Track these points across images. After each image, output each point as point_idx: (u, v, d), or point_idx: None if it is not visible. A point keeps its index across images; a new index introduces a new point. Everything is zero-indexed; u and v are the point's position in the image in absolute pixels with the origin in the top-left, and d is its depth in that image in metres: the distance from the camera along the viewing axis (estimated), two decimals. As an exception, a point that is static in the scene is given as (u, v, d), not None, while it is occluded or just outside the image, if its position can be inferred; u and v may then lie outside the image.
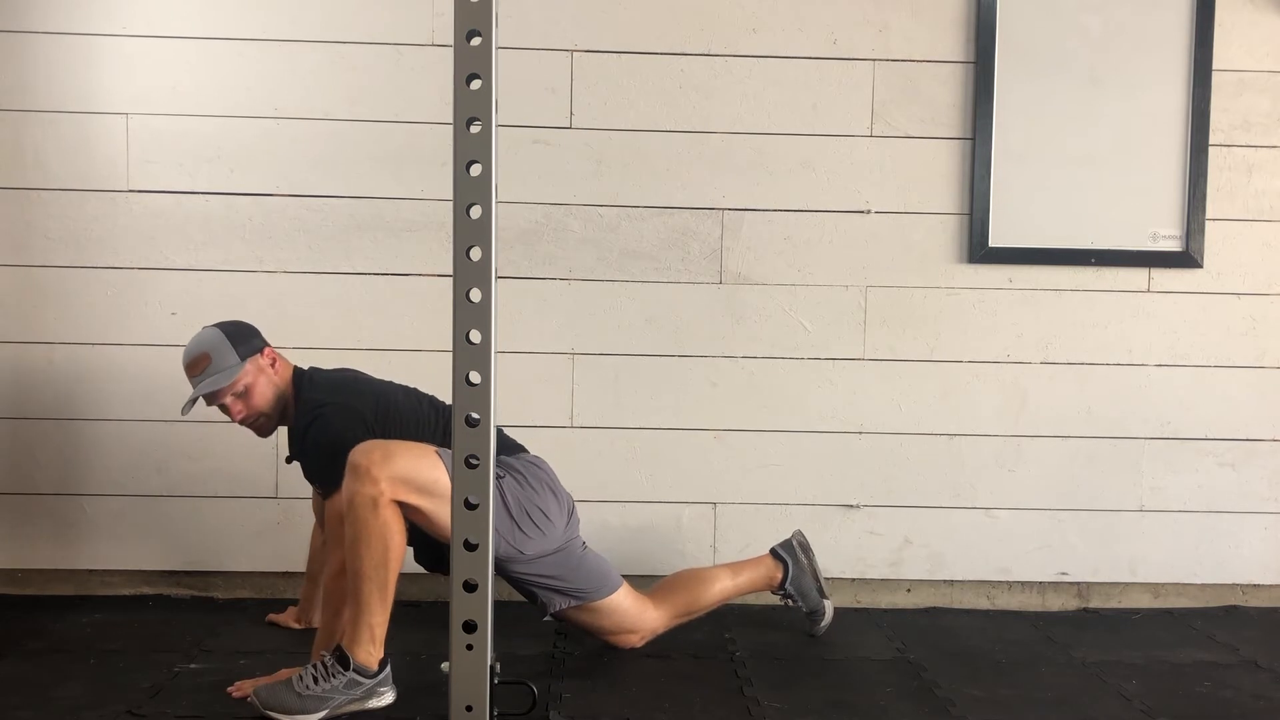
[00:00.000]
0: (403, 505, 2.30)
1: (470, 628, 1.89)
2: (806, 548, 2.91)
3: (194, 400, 2.56)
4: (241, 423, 2.60)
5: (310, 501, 2.91)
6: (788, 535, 2.94)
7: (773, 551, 2.90)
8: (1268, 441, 3.22)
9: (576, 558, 2.63)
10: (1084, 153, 3.15)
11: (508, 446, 2.65)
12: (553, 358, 3.12)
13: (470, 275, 1.83)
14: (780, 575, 2.86)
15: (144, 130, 3.08)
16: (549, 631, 2.84)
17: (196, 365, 2.55)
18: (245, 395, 2.57)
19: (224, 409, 2.59)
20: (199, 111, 3.08)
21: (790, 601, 2.89)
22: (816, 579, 2.88)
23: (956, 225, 3.17)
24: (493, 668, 1.91)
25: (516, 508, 2.49)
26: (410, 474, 2.28)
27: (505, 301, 3.02)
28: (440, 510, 2.26)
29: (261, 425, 2.62)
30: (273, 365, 2.60)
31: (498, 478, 2.47)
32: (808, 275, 3.16)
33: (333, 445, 2.41)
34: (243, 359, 2.55)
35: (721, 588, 2.80)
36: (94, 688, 2.41)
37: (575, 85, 3.11)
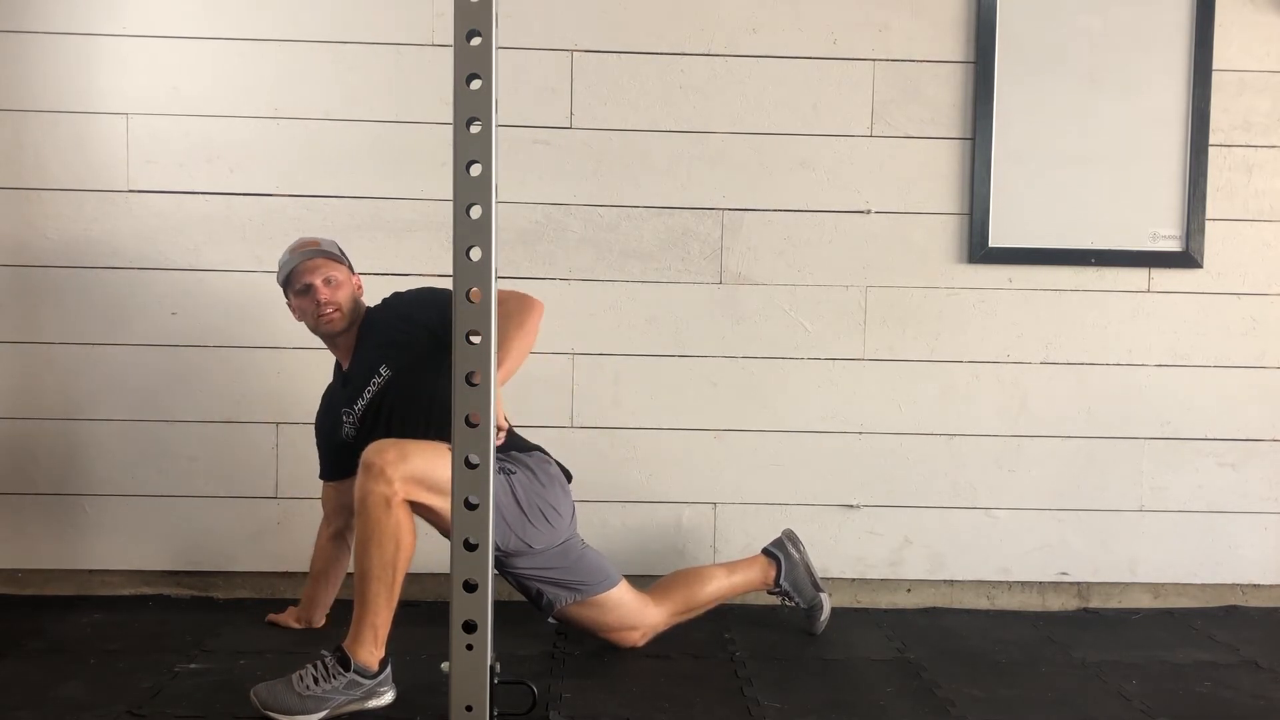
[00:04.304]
0: (415, 504, 2.31)
1: (470, 628, 1.89)
2: (796, 541, 2.93)
3: (308, 255, 2.67)
4: (321, 307, 2.65)
5: (319, 500, 2.90)
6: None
7: (765, 551, 2.93)
8: (1268, 441, 3.22)
9: (578, 552, 2.67)
10: (1084, 153, 3.15)
11: (520, 445, 2.66)
12: (553, 358, 3.12)
13: (470, 275, 1.83)
14: (774, 573, 2.88)
15: (144, 130, 3.08)
16: (549, 631, 2.84)
17: (305, 245, 2.72)
18: (334, 287, 2.67)
19: (309, 291, 2.65)
20: (199, 111, 3.08)
21: (786, 600, 2.90)
22: (809, 572, 2.89)
23: (956, 225, 3.17)
24: (493, 668, 1.91)
25: (527, 502, 2.52)
26: (424, 473, 2.29)
27: (505, 301, 3.02)
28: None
29: (335, 319, 2.67)
30: (358, 289, 2.76)
31: (509, 473, 2.50)
32: (808, 275, 3.16)
33: (434, 294, 2.63)
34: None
35: (718, 586, 2.82)
36: (94, 688, 2.41)
37: (575, 85, 3.11)
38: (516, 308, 2.51)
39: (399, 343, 2.63)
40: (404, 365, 2.61)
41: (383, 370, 2.63)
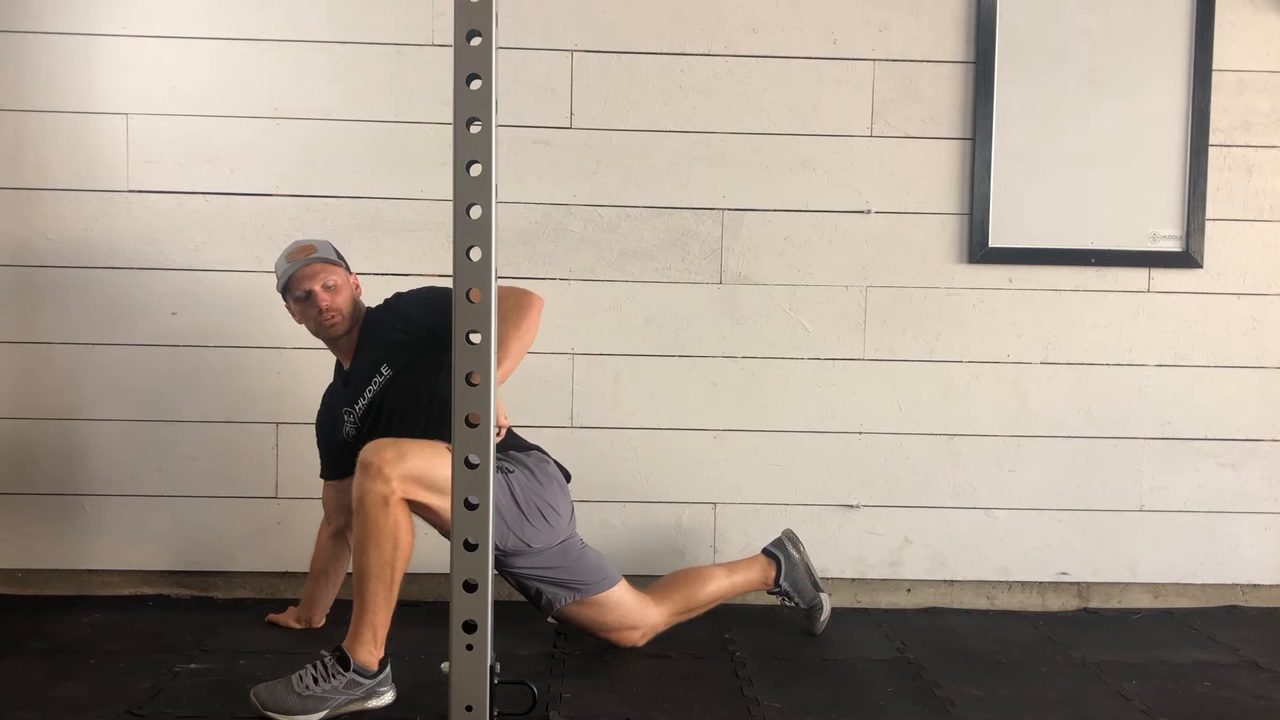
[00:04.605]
0: (413, 503, 2.31)
1: (470, 628, 1.89)
2: (796, 541, 2.93)
3: (306, 262, 2.64)
4: (323, 313, 2.65)
5: (319, 500, 2.90)
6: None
7: (764, 551, 2.93)
8: (1268, 441, 3.22)
9: (577, 551, 2.67)
10: (1084, 153, 3.15)
11: (518, 444, 2.66)
12: (553, 358, 3.12)
13: (470, 275, 1.83)
14: (774, 573, 2.88)
15: (144, 130, 3.08)
16: (549, 631, 2.84)
17: (302, 251, 2.69)
18: (334, 291, 2.67)
19: (310, 298, 2.64)
20: (199, 111, 3.08)
21: (786, 600, 2.90)
22: (809, 572, 2.90)
23: (956, 225, 3.17)
24: (493, 668, 1.91)
25: (525, 501, 2.52)
26: (422, 472, 2.29)
27: (505, 301, 3.02)
28: (450, 508, 2.27)
29: (338, 323, 2.67)
30: (356, 289, 2.76)
31: (508, 472, 2.50)
32: (808, 275, 3.17)
33: (434, 293, 2.61)
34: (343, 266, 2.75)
35: (718, 586, 2.82)
36: (94, 688, 2.41)
37: (575, 85, 3.11)
38: (514, 305, 2.51)
39: (400, 342, 2.63)
40: (405, 365, 2.61)
41: (384, 370, 2.64)
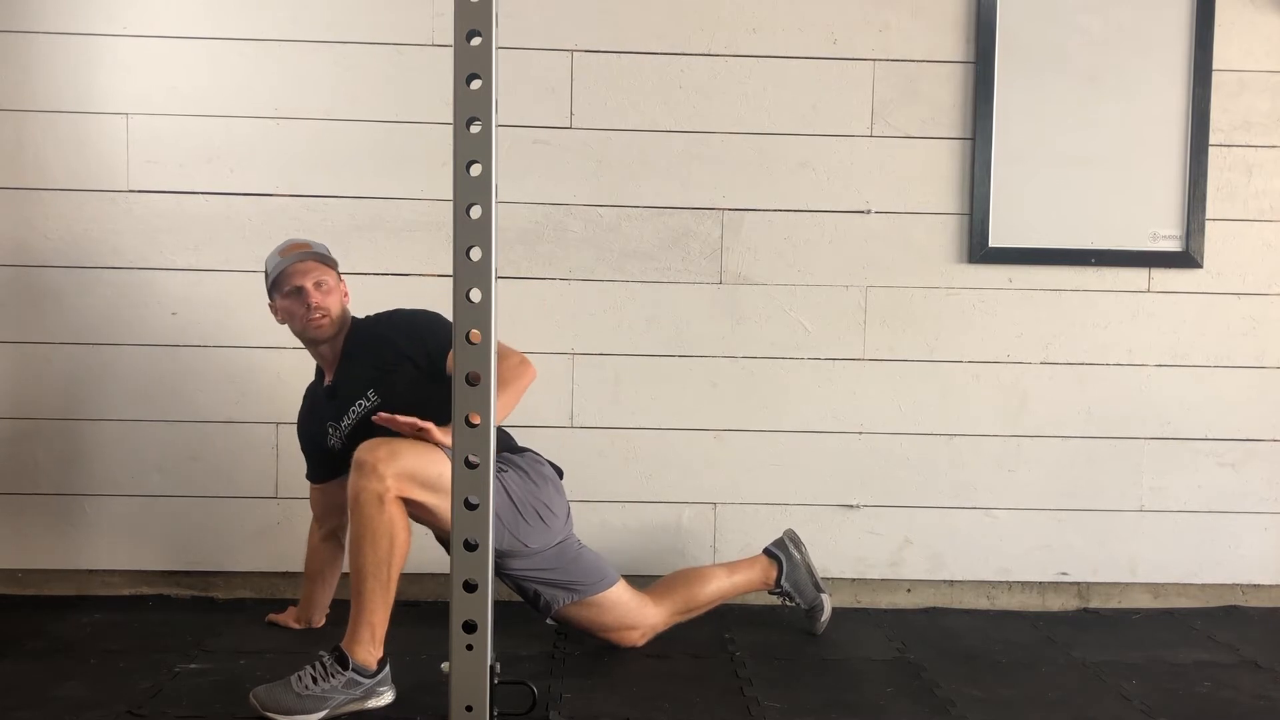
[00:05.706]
0: (408, 502, 2.31)
1: (470, 628, 1.89)
2: (798, 542, 2.93)
3: (300, 257, 2.61)
4: (311, 310, 2.60)
5: (308, 500, 2.90)
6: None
7: (766, 551, 2.92)
8: (1268, 441, 3.22)
9: (574, 551, 2.66)
10: (1084, 153, 3.15)
11: (511, 446, 2.66)
12: (553, 358, 3.12)
13: (470, 275, 1.83)
14: (775, 573, 2.87)
15: (144, 130, 3.08)
16: (549, 631, 2.84)
17: (296, 248, 2.66)
18: (325, 291, 2.63)
19: (300, 294, 2.60)
20: (199, 111, 3.08)
21: (787, 600, 2.90)
22: (811, 573, 2.89)
23: (956, 225, 3.17)
24: (493, 668, 1.92)
25: (521, 501, 2.52)
26: (416, 470, 2.29)
27: (505, 301, 3.02)
28: (445, 506, 2.27)
29: (324, 325, 2.63)
30: (345, 296, 2.72)
31: (501, 472, 2.49)
32: (808, 275, 3.17)
33: (421, 316, 2.61)
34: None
35: (718, 586, 2.82)
36: (94, 688, 2.41)
37: (575, 85, 3.11)
38: (518, 364, 2.49)
39: (386, 367, 2.60)
40: (392, 391, 2.57)
41: (370, 395, 2.60)
